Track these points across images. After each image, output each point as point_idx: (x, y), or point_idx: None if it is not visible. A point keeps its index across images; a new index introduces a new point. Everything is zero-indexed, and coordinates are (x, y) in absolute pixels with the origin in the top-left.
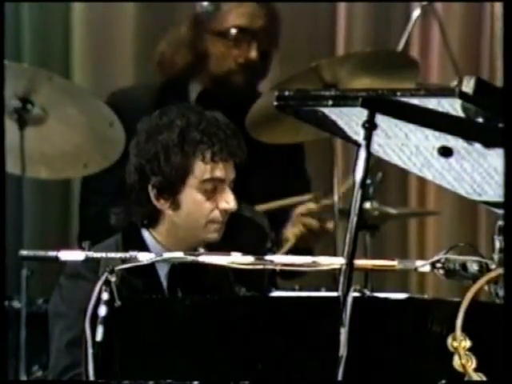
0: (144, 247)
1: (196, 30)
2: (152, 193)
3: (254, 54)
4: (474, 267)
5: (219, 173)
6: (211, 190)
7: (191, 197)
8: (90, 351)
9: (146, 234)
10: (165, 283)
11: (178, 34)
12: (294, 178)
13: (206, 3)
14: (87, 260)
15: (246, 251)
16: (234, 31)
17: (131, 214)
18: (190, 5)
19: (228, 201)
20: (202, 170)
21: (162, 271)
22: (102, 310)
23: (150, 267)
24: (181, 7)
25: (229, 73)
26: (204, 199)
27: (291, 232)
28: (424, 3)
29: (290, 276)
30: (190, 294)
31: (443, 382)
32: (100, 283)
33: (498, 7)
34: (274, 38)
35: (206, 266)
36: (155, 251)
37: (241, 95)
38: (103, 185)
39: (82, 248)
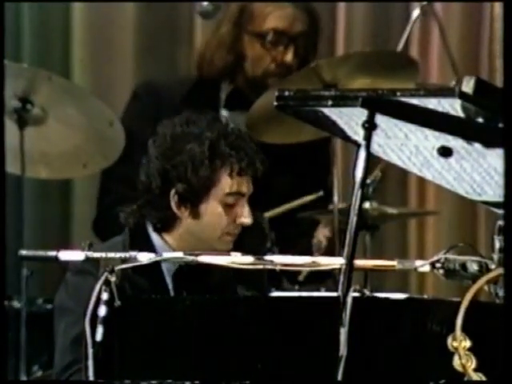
0: (151, 248)
1: (236, 31)
2: (173, 199)
3: (289, 57)
4: (473, 267)
5: (244, 188)
6: (232, 203)
7: (212, 208)
8: (90, 351)
9: (154, 236)
10: (170, 284)
11: (218, 35)
12: (318, 179)
13: (205, 3)
14: (88, 259)
15: (246, 251)
16: (272, 33)
17: (145, 215)
18: (189, 5)
19: (246, 216)
20: (228, 183)
21: (169, 272)
22: (102, 310)
23: (156, 268)
24: (181, 7)
25: (263, 75)
26: (224, 212)
27: (323, 235)
28: (423, 3)
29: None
30: (194, 294)
31: (442, 381)
32: (100, 283)
33: (498, 7)
34: (312, 43)
35: (212, 267)
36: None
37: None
38: (124, 174)
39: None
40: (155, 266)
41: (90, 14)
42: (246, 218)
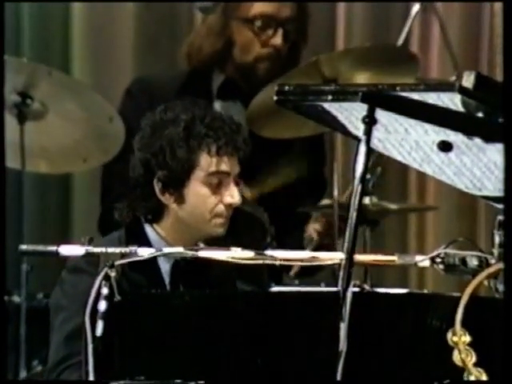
0: (147, 242)
1: (224, 18)
2: (157, 187)
3: (278, 40)
4: (473, 262)
5: (224, 166)
6: (216, 184)
7: (196, 190)
8: (90, 346)
9: (148, 229)
10: (167, 279)
11: (206, 23)
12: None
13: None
14: (88, 254)
15: (245, 246)
16: (259, 18)
17: (135, 208)
18: (189, 4)
19: (233, 195)
20: (207, 163)
21: (165, 267)
22: (102, 305)
23: (152, 263)
24: (181, 4)
25: (253, 60)
26: (209, 193)
27: (314, 229)
28: None
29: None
30: (191, 289)
31: (447, 381)
32: (100, 278)
33: (497, 3)
34: (301, 28)
35: (209, 261)
36: (158, 246)
37: (263, 85)
38: (123, 172)
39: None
40: (151, 261)
41: (89, 9)
42: (234, 198)
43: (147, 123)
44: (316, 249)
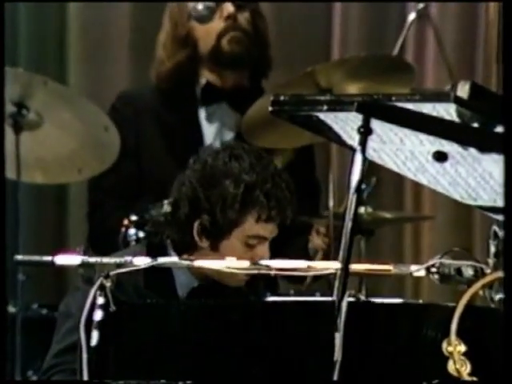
0: (169, 269)
1: (175, 23)
2: (196, 228)
3: (229, 7)
4: (468, 272)
5: (267, 233)
6: (253, 245)
7: (233, 246)
8: (85, 356)
9: (172, 254)
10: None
11: (161, 37)
12: (305, 184)
13: (200, 7)
14: (83, 264)
15: None
16: (209, 5)
17: (165, 233)
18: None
19: (264, 256)
20: (252, 227)
21: (182, 291)
22: (97, 315)
23: (169, 285)
24: None
25: (217, 39)
26: (243, 251)
27: (317, 244)
28: (419, 7)
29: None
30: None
31: (436, 381)
32: (95, 288)
33: (493, 12)
34: (255, 5)
35: (227, 289)
36: (179, 275)
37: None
38: (113, 185)
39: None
40: (168, 282)
41: (85, 18)
42: (264, 259)
43: (208, 161)
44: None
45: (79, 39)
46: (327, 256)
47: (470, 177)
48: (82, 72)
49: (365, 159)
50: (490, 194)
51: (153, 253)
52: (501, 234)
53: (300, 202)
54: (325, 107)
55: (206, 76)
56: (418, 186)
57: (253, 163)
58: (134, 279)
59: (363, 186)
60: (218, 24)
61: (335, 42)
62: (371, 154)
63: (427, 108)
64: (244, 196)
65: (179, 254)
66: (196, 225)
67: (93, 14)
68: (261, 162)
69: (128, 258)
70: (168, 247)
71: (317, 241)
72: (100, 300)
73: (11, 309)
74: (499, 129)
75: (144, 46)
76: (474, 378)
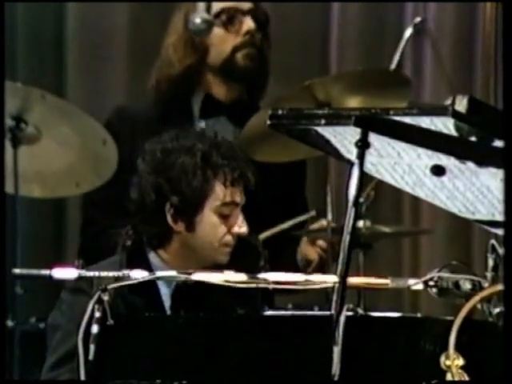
0: (148, 267)
1: (187, 31)
2: (169, 213)
3: (250, 23)
4: (466, 285)
5: (237, 197)
6: (226, 214)
7: (208, 219)
8: (82, 369)
9: (151, 254)
10: (167, 303)
11: (172, 39)
12: (295, 198)
13: (198, 20)
14: (81, 278)
15: (239, 269)
16: (223, 12)
17: (141, 232)
18: None
19: (241, 225)
20: (222, 193)
21: (165, 291)
22: (95, 329)
23: (152, 287)
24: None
25: (232, 52)
26: (219, 222)
27: (311, 253)
28: (416, 21)
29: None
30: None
31: (434, 381)
32: (92, 302)
33: (490, 25)
34: (266, 16)
35: (210, 286)
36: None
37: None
38: (107, 201)
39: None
40: (151, 285)
41: (83, 30)
42: (242, 228)
43: (157, 148)
44: (315, 271)
45: (78, 54)
46: (322, 267)
47: (467, 191)
48: (79, 84)
49: (362, 173)
50: (488, 208)
51: (133, 258)
52: (499, 247)
53: (287, 216)
54: (323, 121)
55: (207, 85)
56: (416, 200)
57: (201, 135)
58: None
59: (361, 200)
60: (234, 36)
61: (333, 56)
62: (369, 168)
63: (425, 122)
64: (203, 162)
65: (156, 250)
66: (167, 208)
67: (92, 27)
68: (207, 135)
69: (126, 272)
70: (145, 248)
71: (309, 251)
72: (97, 314)
73: (9, 323)
74: (497, 143)
75: (143, 59)
76: None
